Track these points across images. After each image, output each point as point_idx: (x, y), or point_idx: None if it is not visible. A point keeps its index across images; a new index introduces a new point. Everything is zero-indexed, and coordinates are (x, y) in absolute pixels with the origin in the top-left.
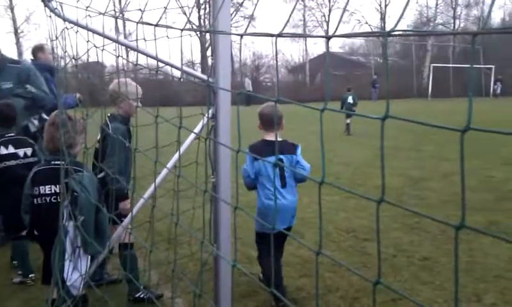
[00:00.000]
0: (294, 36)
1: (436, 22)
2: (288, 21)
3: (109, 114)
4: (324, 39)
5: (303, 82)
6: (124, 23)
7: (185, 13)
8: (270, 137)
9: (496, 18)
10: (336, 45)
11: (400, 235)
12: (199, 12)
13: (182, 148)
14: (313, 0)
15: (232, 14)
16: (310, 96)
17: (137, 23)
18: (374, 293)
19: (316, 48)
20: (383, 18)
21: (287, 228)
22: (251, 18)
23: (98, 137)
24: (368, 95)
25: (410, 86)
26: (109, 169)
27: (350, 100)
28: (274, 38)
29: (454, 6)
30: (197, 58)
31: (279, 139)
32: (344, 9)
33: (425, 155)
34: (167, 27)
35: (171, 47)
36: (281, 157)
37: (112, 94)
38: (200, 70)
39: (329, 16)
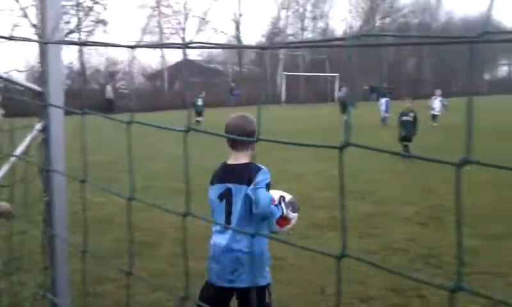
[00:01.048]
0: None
1: (287, 33)
2: (145, 29)
3: None
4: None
5: (161, 89)
6: None
7: (26, 16)
8: (232, 159)
9: (339, 31)
10: (194, 53)
11: None
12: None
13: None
14: (169, 8)
15: (81, 18)
16: (169, 104)
17: None
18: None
19: (174, 55)
20: (237, 28)
21: (233, 287)
22: (103, 22)
23: None
24: (226, 102)
25: (266, 93)
26: None
27: (199, 102)
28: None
29: (302, 19)
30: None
31: (244, 162)
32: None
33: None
34: None
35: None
36: (231, 186)
37: None
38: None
39: (185, 23)
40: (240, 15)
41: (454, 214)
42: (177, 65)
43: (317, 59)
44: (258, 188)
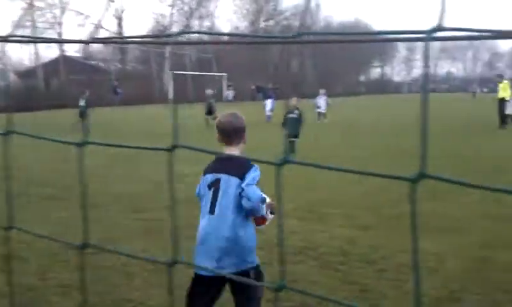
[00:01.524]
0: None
1: (172, 30)
2: (19, 22)
3: None
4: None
5: (35, 87)
6: None
7: None
8: (227, 151)
9: (225, 30)
10: (72, 49)
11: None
12: None
13: None
14: (43, 0)
15: None
16: (46, 103)
17: None
18: None
19: (49, 52)
20: (120, 24)
21: (224, 276)
22: None
23: None
24: (110, 101)
25: (152, 91)
26: None
27: (82, 102)
28: None
29: (187, 17)
30: None
31: (235, 154)
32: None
33: (163, 159)
34: None
35: None
36: (221, 176)
37: None
38: None
39: (61, 17)
40: (123, 11)
41: (332, 207)
42: (53, 62)
43: (203, 58)
44: (250, 185)
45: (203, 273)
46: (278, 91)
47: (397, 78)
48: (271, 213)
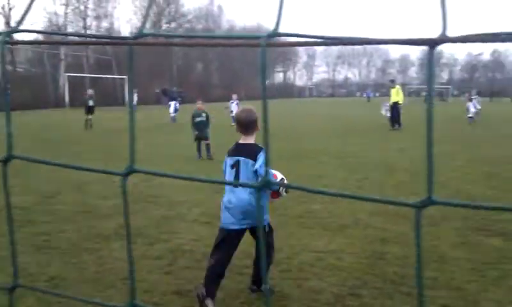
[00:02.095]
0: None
1: (67, 31)
2: None
3: None
4: None
5: None
6: None
7: None
8: (242, 140)
9: (125, 32)
10: None
11: (28, 259)
12: None
13: None
14: None
15: None
16: None
17: None
18: None
19: None
20: (7, 23)
21: (246, 228)
22: None
23: None
24: None
25: (46, 95)
26: None
27: None
28: None
29: (84, 17)
30: None
31: (251, 142)
32: None
33: (56, 168)
34: None
35: None
36: (240, 158)
37: None
38: None
39: None
40: (11, 9)
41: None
42: None
43: (102, 60)
44: (260, 165)
45: (232, 227)
46: (184, 95)
47: (299, 82)
48: (286, 192)
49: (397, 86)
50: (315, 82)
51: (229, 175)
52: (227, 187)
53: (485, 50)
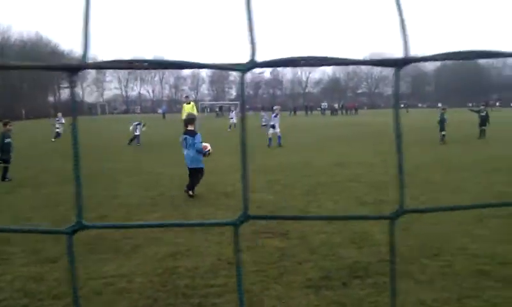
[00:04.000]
0: None
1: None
2: None
3: None
4: None
5: None
6: None
7: None
8: (189, 127)
9: None
10: None
11: None
12: None
13: None
14: None
15: None
16: None
17: None
18: None
19: None
20: None
21: (193, 167)
22: None
23: None
24: None
25: None
26: None
27: None
28: None
29: None
30: None
31: (192, 129)
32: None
33: None
34: None
35: None
36: (187, 136)
37: None
38: None
39: None
40: None
41: (14, 245)
42: None
43: None
44: (198, 141)
45: (188, 166)
46: None
47: (89, 99)
48: (209, 152)
49: (192, 102)
50: (107, 98)
51: (183, 143)
52: (184, 148)
53: (266, 70)
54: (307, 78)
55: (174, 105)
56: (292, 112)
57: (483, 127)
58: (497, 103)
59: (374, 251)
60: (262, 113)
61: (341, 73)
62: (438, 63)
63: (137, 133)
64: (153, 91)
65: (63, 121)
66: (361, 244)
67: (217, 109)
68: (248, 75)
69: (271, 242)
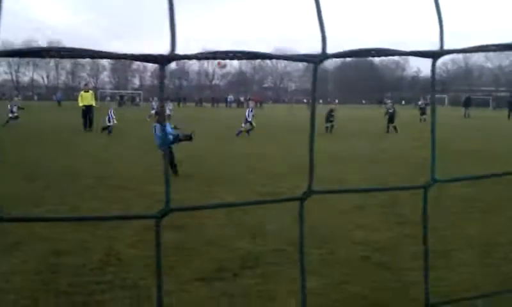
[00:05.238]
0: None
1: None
2: None
3: None
4: None
5: None
6: None
7: None
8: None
9: None
10: None
11: None
12: None
13: None
14: None
15: None
16: None
17: None
18: None
19: None
20: None
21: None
22: None
23: None
24: None
25: None
26: None
27: None
28: None
29: None
30: None
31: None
32: None
33: None
34: None
35: None
36: (158, 125)
37: None
38: None
39: None
40: None
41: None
42: None
43: None
44: (165, 127)
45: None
46: None
47: None
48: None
49: (90, 91)
50: None
51: (154, 130)
52: (155, 134)
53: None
54: (213, 70)
55: (71, 92)
56: (199, 104)
57: (391, 123)
58: (389, 101)
59: (266, 241)
60: (153, 103)
61: (247, 67)
62: (338, 61)
63: (110, 123)
64: (47, 77)
65: None
66: (255, 235)
67: (117, 98)
68: (150, 65)
69: (165, 235)
